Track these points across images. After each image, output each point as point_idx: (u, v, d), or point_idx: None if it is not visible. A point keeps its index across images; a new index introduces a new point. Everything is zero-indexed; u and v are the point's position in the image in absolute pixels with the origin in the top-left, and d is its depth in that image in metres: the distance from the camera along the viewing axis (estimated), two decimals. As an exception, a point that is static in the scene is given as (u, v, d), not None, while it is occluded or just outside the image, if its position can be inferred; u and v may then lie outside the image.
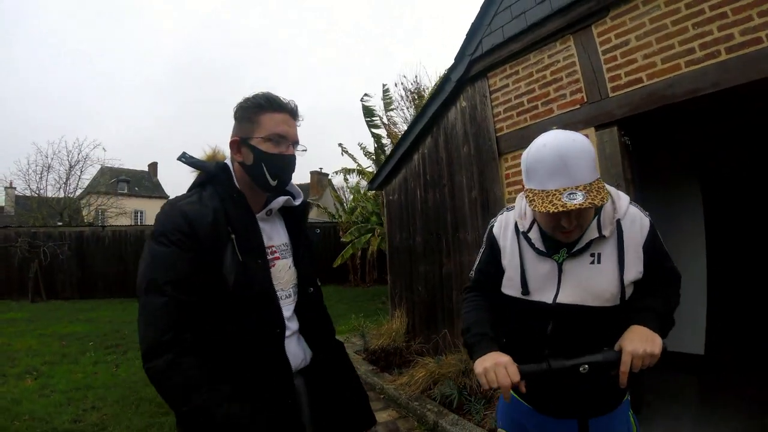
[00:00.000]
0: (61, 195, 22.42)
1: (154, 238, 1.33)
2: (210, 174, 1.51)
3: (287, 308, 1.53)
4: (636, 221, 1.41)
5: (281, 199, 1.58)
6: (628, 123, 3.36)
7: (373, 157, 13.00)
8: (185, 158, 1.57)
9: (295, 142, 1.52)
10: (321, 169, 30.59)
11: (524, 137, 3.94)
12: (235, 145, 1.50)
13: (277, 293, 1.49)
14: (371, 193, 12.94)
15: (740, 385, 4.03)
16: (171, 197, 1.56)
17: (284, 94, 1.52)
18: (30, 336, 8.08)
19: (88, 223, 21.31)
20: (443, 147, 5.28)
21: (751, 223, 4.53)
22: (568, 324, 1.40)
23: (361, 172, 13.85)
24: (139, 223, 33.08)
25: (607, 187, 1.38)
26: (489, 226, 1.69)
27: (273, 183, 1.48)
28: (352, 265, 15.51)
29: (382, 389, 4.74)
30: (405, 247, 6.13)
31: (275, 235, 1.59)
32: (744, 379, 4.09)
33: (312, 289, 1.66)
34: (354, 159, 14.15)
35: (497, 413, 1.74)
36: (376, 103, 12.45)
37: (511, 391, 1.43)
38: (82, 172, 23.39)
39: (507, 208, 1.67)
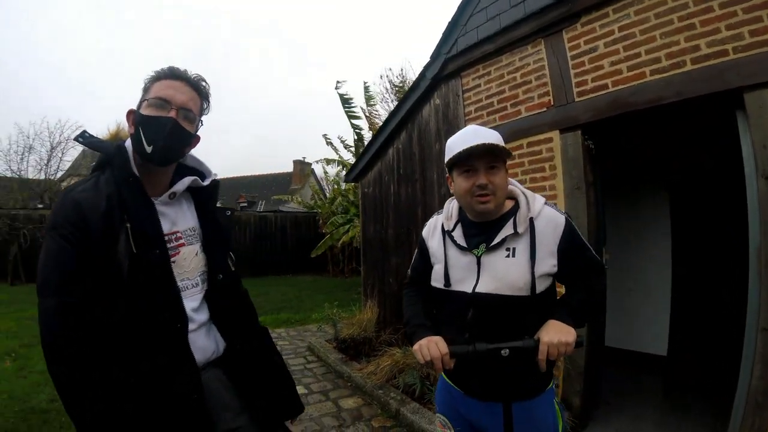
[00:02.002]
0: (42, 177, 21.89)
1: (47, 232, 1.29)
2: (108, 155, 1.40)
3: (194, 298, 1.47)
4: (551, 220, 1.55)
5: (186, 180, 1.50)
6: (592, 128, 3.40)
7: (353, 149, 12.89)
8: (83, 138, 1.45)
9: (184, 108, 1.40)
10: (304, 158, 30.21)
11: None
12: (129, 117, 1.42)
13: (182, 283, 1.43)
14: (351, 184, 12.88)
15: (701, 385, 4.13)
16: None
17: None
18: (8, 318, 7.97)
19: (67, 206, 20.80)
20: (417, 143, 5.31)
21: (716, 230, 4.62)
22: (487, 311, 1.52)
23: (341, 162, 13.77)
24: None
25: (523, 189, 1.64)
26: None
27: (148, 149, 1.35)
28: (331, 255, 15.49)
29: (350, 377, 4.80)
30: (378, 239, 6.17)
31: (181, 220, 1.51)
32: (704, 380, 4.18)
33: (221, 276, 1.56)
34: (336, 150, 14.04)
35: (436, 400, 1.86)
36: (355, 94, 12.14)
37: (446, 377, 1.72)
38: (63, 153, 22.81)
39: (437, 212, 1.82)
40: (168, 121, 1.36)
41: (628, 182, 5.24)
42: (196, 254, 1.51)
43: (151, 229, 1.36)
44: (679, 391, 4.14)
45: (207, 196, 1.60)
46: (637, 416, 3.68)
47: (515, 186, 1.64)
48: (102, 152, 1.42)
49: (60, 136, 22.24)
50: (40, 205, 18.82)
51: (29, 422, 3.78)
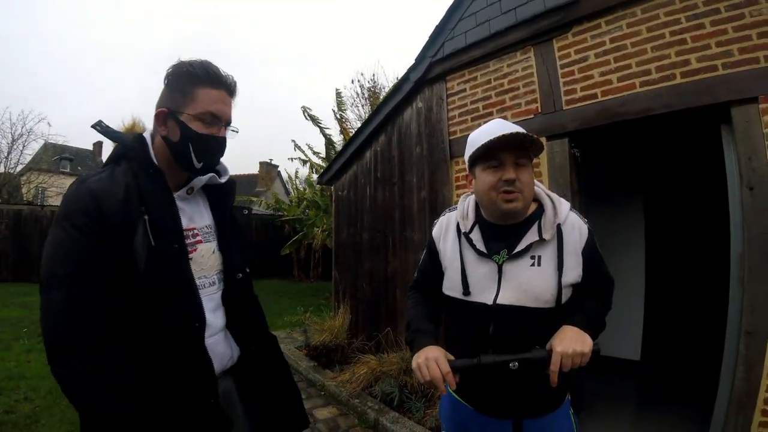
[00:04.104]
0: (1, 170, 20.97)
1: (57, 223, 1.20)
2: (125, 147, 1.36)
3: (212, 297, 1.42)
4: (575, 227, 1.44)
5: (204, 177, 1.44)
6: (579, 136, 3.43)
7: (322, 155, 12.88)
8: (100, 127, 1.43)
9: (228, 123, 1.40)
10: (271, 160, 29.87)
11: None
12: (161, 116, 1.34)
13: (199, 281, 1.37)
14: (319, 186, 12.78)
15: (674, 389, 4.29)
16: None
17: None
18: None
19: (27, 201, 19.98)
20: (396, 146, 5.25)
21: (688, 239, 4.77)
22: (509, 325, 1.39)
23: (313, 165, 13.66)
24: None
25: (550, 193, 1.50)
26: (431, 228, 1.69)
27: (198, 165, 1.35)
28: (297, 260, 15.31)
29: (323, 386, 4.67)
30: (351, 243, 6.07)
31: (197, 217, 1.46)
32: (677, 383, 4.35)
33: (240, 275, 1.54)
34: (305, 154, 13.94)
35: (440, 416, 1.72)
36: (320, 113, 12.46)
37: (454, 393, 1.55)
38: (24, 146, 21.98)
39: (449, 209, 1.66)
40: (223, 141, 1.39)
41: (604, 189, 5.34)
42: (213, 252, 1.46)
43: (171, 222, 1.31)
44: (653, 395, 4.27)
45: (224, 193, 1.55)
46: (616, 418, 3.79)
47: (539, 187, 1.50)
48: (119, 143, 1.38)
49: (22, 128, 21.42)
50: (-3, 199, 18.03)
51: (-22, 436, 3.47)
